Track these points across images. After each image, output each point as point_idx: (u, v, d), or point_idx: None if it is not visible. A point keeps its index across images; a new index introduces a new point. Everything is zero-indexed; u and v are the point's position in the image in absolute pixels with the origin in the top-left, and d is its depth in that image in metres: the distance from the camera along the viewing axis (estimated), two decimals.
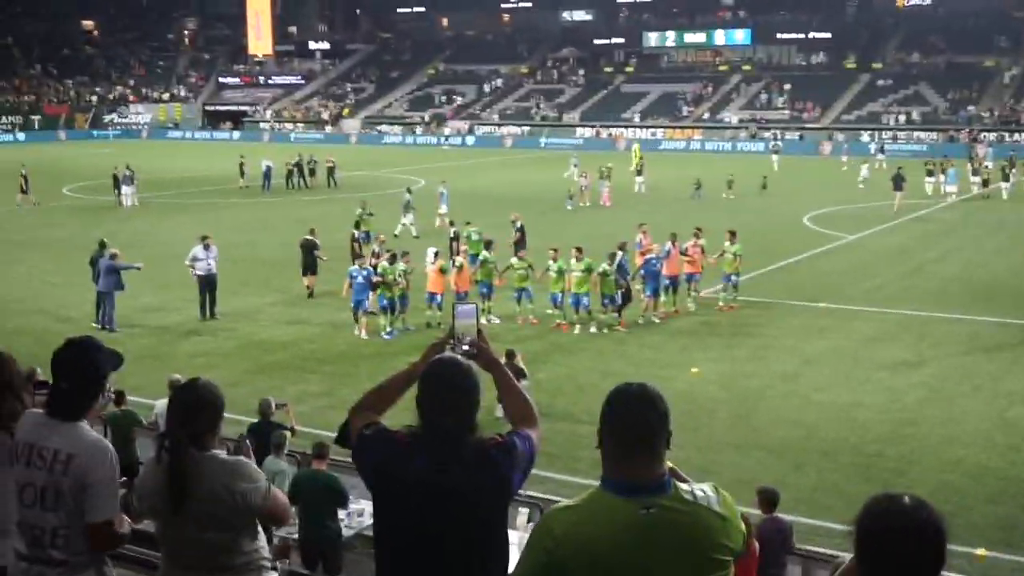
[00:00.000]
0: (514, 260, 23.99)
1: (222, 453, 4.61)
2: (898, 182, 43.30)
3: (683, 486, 3.44)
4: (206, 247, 24.46)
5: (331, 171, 53.71)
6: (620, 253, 23.67)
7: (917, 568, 2.93)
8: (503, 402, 4.27)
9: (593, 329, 22.89)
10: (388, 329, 22.66)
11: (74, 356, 4.74)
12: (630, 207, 41.50)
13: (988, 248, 33.73)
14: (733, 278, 24.99)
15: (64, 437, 4.62)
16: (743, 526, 3.47)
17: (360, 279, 22.37)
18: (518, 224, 29.97)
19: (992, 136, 72.68)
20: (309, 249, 26.87)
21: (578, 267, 22.91)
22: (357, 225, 30.95)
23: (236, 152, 58.87)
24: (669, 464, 3.68)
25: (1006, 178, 47.78)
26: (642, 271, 23.97)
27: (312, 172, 53.66)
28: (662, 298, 24.36)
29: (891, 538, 2.94)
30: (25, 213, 42.60)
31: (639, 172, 50.67)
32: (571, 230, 33.24)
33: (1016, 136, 72.57)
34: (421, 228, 35.11)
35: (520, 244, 27.99)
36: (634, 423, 3.45)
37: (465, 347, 4.23)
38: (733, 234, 25.37)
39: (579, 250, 23.27)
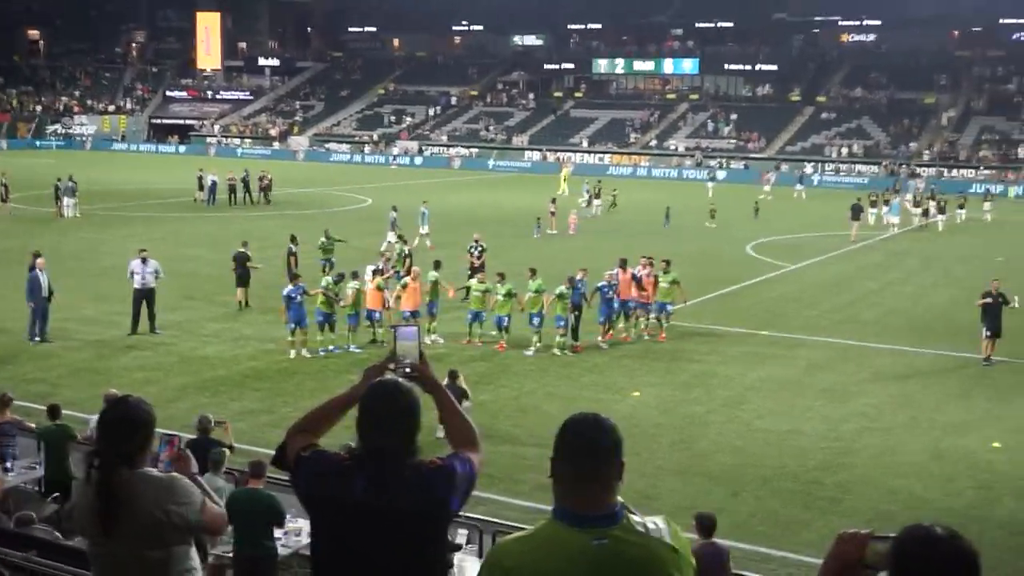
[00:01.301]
0: (473, 282, 24.04)
1: (153, 471, 4.54)
2: (856, 212, 44.96)
3: (635, 517, 3.41)
4: (143, 260, 24.23)
5: (266, 188, 53.08)
6: (579, 276, 23.88)
7: None
8: (444, 424, 4.24)
9: (528, 352, 22.91)
10: (329, 347, 22.54)
11: None
12: (599, 234, 41.53)
13: (926, 280, 34.31)
14: (668, 307, 24.93)
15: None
16: (693, 560, 3.45)
17: (297, 297, 22.20)
18: (480, 245, 30.04)
19: (931, 171, 74.09)
20: (242, 262, 26.99)
21: (531, 287, 23.15)
22: (324, 250, 30.28)
23: (182, 166, 58.44)
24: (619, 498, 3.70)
25: (941, 211, 49.18)
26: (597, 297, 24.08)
27: (246, 187, 52.96)
28: (619, 324, 24.52)
29: (932, 569, 2.94)
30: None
31: (596, 195, 51.86)
32: (545, 254, 33.17)
33: (954, 172, 74.04)
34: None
35: (481, 265, 28.00)
36: (587, 453, 3.41)
37: (406, 369, 4.21)
38: (667, 263, 25.33)
39: (532, 271, 23.66)
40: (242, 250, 27.30)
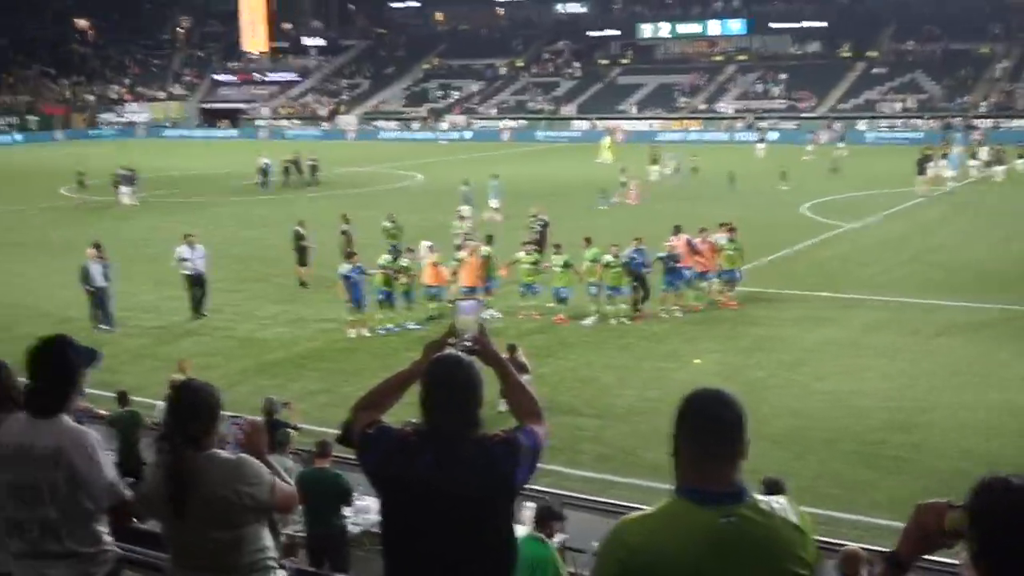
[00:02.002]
0: (521, 254, 23.94)
1: (222, 453, 4.61)
2: (922, 166, 44.99)
3: (759, 496, 3.35)
4: (191, 246, 24.56)
5: (313, 168, 53.13)
6: (636, 244, 23.76)
7: None
8: (507, 398, 4.25)
9: (586, 322, 22.89)
10: (388, 325, 22.68)
11: (45, 354, 4.82)
12: (664, 201, 41.02)
13: (991, 234, 33.61)
14: (737, 274, 24.61)
15: (48, 433, 4.68)
16: (814, 540, 3.38)
17: (355, 277, 22.34)
18: (541, 218, 30.11)
19: (988, 123, 72.68)
20: (298, 240, 27.45)
21: (587, 256, 23.17)
22: (390, 235, 29.28)
23: (234, 150, 58.82)
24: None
25: (1000, 162, 48.72)
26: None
27: (298, 169, 53.12)
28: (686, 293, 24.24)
29: (1012, 517, 2.85)
30: (30, 215, 42.58)
31: (654, 161, 51.11)
32: (609, 223, 32.86)
33: (1012, 122, 72.54)
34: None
35: (542, 239, 27.93)
36: (711, 430, 3.34)
37: (467, 343, 4.21)
38: (732, 230, 24.89)
39: (587, 240, 23.66)
40: (298, 228, 27.74)
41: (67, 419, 4.77)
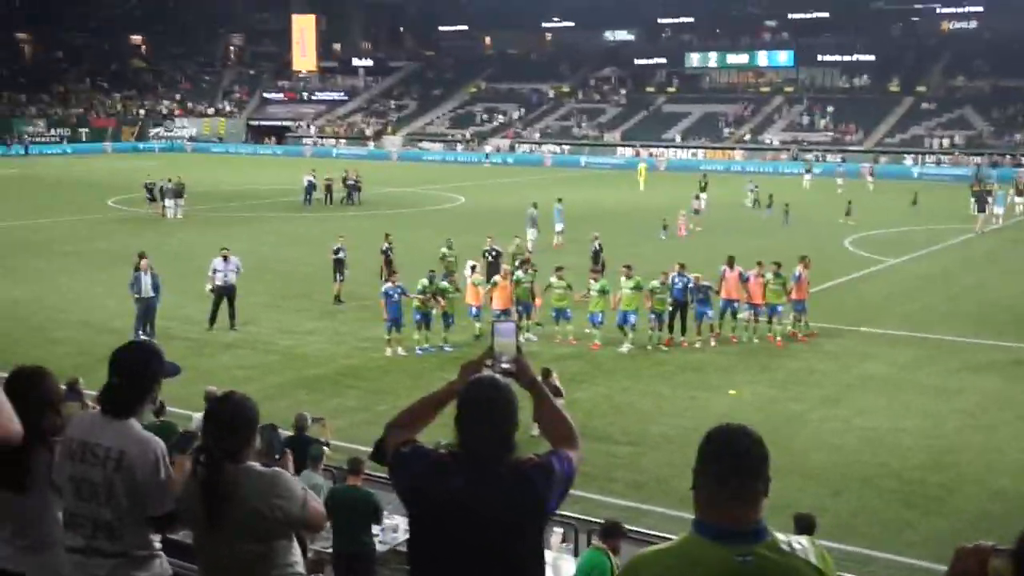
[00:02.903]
0: (553, 279, 23.89)
1: (257, 466, 4.64)
2: (981, 203, 44.43)
3: (779, 536, 3.30)
4: (225, 259, 24.90)
5: (352, 187, 53.20)
6: (675, 274, 23.73)
7: None
8: (541, 422, 4.24)
9: (624, 348, 22.84)
10: (425, 345, 22.72)
11: (132, 355, 4.93)
12: (717, 233, 40.71)
13: None
14: (779, 309, 23.96)
15: (115, 434, 4.74)
16: None
17: (396, 297, 22.42)
18: (596, 243, 30.34)
19: None
20: (335, 254, 27.88)
21: (627, 284, 22.99)
22: (448, 262, 28.33)
23: (279, 167, 59.32)
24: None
25: None
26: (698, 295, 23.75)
27: (328, 188, 52.88)
28: (724, 325, 23.99)
29: None
30: (78, 226, 43.16)
31: (703, 189, 50.71)
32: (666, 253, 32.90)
33: None
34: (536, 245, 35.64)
35: (596, 262, 28.06)
36: (733, 467, 3.30)
37: (504, 365, 4.20)
38: (778, 265, 24.34)
39: (628, 268, 23.44)
40: (339, 245, 28.07)
41: (136, 424, 4.83)
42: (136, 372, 4.87)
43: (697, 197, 47.72)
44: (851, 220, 44.78)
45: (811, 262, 24.83)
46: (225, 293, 24.67)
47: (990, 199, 46.48)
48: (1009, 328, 25.04)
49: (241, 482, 4.49)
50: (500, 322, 4.46)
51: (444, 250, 29.04)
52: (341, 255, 27.82)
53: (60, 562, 4.88)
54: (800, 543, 3.30)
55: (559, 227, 38.17)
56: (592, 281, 23.43)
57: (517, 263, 25.45)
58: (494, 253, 28.34)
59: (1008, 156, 73.69)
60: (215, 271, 24.80)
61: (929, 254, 37.35)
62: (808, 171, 65.45)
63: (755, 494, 3.29)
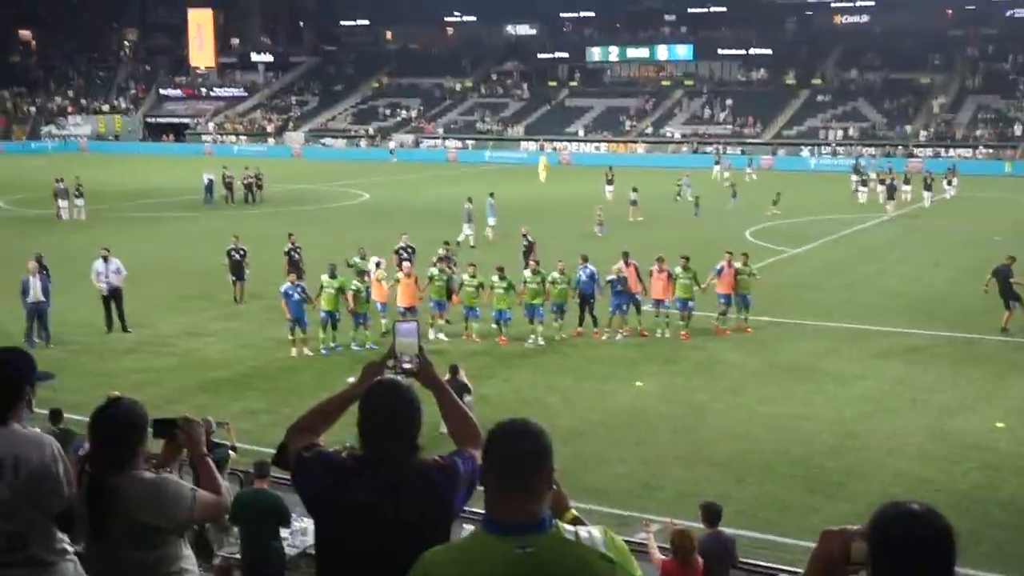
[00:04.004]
0: (465, 276, 23.82)
1: (144, 472, 4.54)
2: (891, 191, 47.12)
3: (566, 527, 3.35)
4: (105, 260, 24.35)
5: (249, 185, 52.50)
6: (585, 265, 23.96)
7: (940, 570, 2.93)
8: (446, 421, 4.23)
9: (528, 343, 22.93)
10: (331, 344, 22.50)
11: None
12: (627, 227, 41.22)
13: (925, 261, 34.19)
14: (690, 303, 23.94)
15: (2, 442, 4.63)
16: (637, 571, 3.36)
17: (296, 296, 22.15)
18: (527, 238, 30.47)
19: (928, 151, 74.06)
20: (232, 255, 27.51)
21: (500, 284, 23.13)
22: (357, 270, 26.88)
23: (178, 165, 58.29)
24: (573, 512, 3.67)
25: (928, 188, 50.39)
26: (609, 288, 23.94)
27: (229, 187, 52.35)
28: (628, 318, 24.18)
29: (909, 544, 2.92)
30: None
31: (610, 182, 51.93)
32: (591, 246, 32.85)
33: (951, 151, 73.94)
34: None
35: (528, 256, 27.99)
36: (512, 461, 3.34)
37: (406, 365, 4.19)
38: (686, 259, 24.46)
39: (500, 269, 23.47)
40: (234, 244, 27.62)
41: (19, 427, 4.73)
42: (2, 379, 4.76)
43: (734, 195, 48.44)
44: (776, 210, 45.80)
45: (740, 257, 24.86)
46: (111, 295, 24.13)
47: (897, 186, 48.60)
48: (905, 315, 25.74)
49: (126, 491, 4.41)
50: (402, 322, 4.44)
51: (356, 259, 26.91)
52: (236, 256, 27.37)
53: None
54: (588, 532, 3.35)
55: (492, 221, 38.57)
56: (495, 279, 23.39)
57: (434, 260, 25.19)
58: (409, 250, 28.11)
59: (900, 147, 75.70)
60: (97, 273, 24.23)
61: (828, 243, 38.20)
62: (717, 162, 66.39)
63: (536, 488, 3.33)
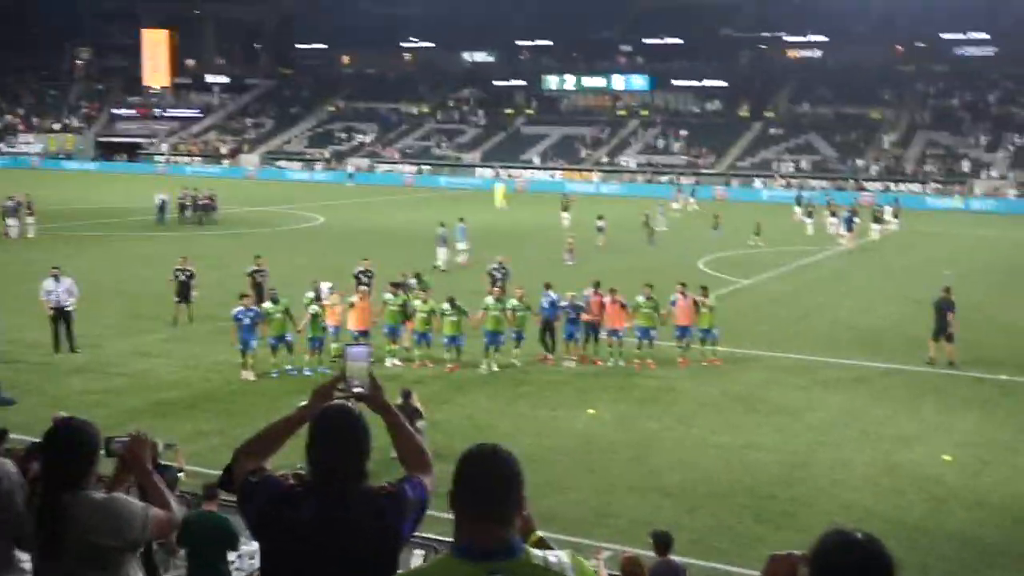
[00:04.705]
0: (418, 303, 23.77)
1: (95, 493, 4.50)
2: (848, 223, 48.02)
3: (535, 552, 3.37)
4: (56, 279, 24.07)
5: (203, 207, 52.16)
6: (547, 292, 24.23)
7: None
8: (396, 447, 4.22)
9: (482, 369, 22.92)
10: (287, 367, 22.32)
11: None
12: (596, 253, 41.57)
13: (875, 294, 34.60)
14: (652, 332, 24.03)
15: None
16: None
17: (247, 320, 21.98)
18: (504, 267, 30.23)
19: (878, 185, 75.11)
20: (179, 276, 27.22)
21: (450, 311, 23.11)
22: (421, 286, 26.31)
23: (131, 184, 57.76)
24: (539, 534, 3.69)
25: (877, 220, 51.46)
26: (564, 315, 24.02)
27: (193, 207, 52.08)
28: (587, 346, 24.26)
29: (848, 572, 2.98)
30: None
31: (565, 209, 52.50)
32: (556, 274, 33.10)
33: (901, 185, 75.07)
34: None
35: (493, 283, 27.78)
36: (482, 487, 3.37)
37: (356, 389, 4.17)
38: (705, 289, 24.97)
39: (451, 298, 23.40)
40: (181, 267, 27.34)
41: None
42: None
43: (598, 219, 48.33)
44: (759, 240, 46.49)
45: (697, 291, 24.87)
46: (61, 315, 23.81)
47: (854, 219, 49.18)
48: (854, 346, 26.05)
49: (78, 511, 4.39)
50: (352, 346, 4.43)
51: (309, 295, 25.29)
52: (182, 277, 27.09)
53: None
54: (556, 557, 3.38)
55: (462, 245, 38.69)
56: (446, 305, 23.35)
57: (389, 285, 25.03)
58: (368, 275, 27.98)
59: (851, 180, 76.71)
60: (47, 292, 23.91)
61: (779, 275, 38.56)
62: (679, 190, 66.94)
63: (506, 514, 3.36)
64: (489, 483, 3.37)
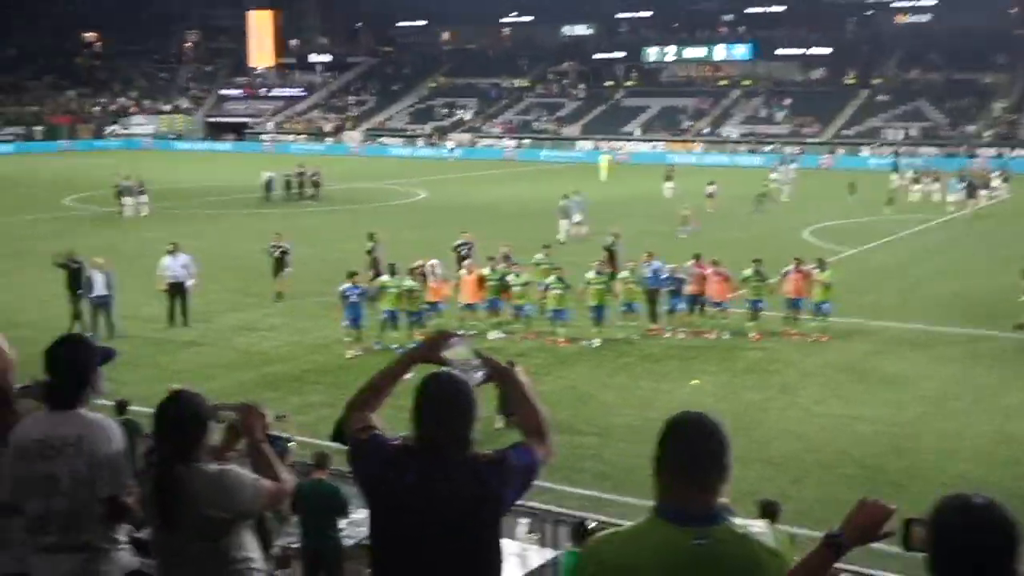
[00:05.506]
0: (512, 276, 23.83)
1: (207, 465, 4.62)
2: (971, 190, 47.09)
3: (736, 520, 3.40)
4: (173, 255, 24.73)
5: (302, 183, 52.83)
6: (644, 263, 24.23)
7: (997, 564, 2.95)
8: (516, 413, 4.24)
9: (585, 343, 22.92)
10: (392, 345, 22.49)
11: (62, 350, 4.95)
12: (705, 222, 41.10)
13: (985, 262, 33.59)
14: (760, 304, 23.63)
15: (68, 424, 4.78)
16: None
17: (354, 297, 22.21)
18: (610, 238, 29.54)
19: (991, 151, 72.81)
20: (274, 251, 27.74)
21: (518, 281, 23.33)
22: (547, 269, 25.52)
23: (238, 163, 58.85)
24: (723, 500, 3.69)
25: (985, 187, 50.37)
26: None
27: (300, 184, 53.00)
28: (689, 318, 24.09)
29: (968, 534, 2.96)
30: (29, 224, 42.60)
31: (668, 179, 51.90)
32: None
33: (1014, 151, 72.61)
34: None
35: (612, 261, 26.99)
36: (691, 454, 3.40)
37: (477, 375, 4.13)
38: (822, 262, 24.40)
39: (558, 269, 23.48)
40: (276, 243, 27.89)
41: (85, 411, 4.88)
42: (67, 366, 4.91)
43: (710, 184, 48.24)
44: (890, 209, 45.82)
45: (811, 264, 24.29)
46: (176, 290, 24.50)
47: (977, 185, 48.28)
48: (965, 315, 25.38)
49: (190, 483, 4.50)
50: (449, 338, 4.35)
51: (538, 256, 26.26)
52: (276, 253, 27.57)
53: (23, 560, 4.87)
54: (758, 526, 3.41)
55: (579, 218, 38.59)
56: (553, 278, 23.38)
57: (489, 259, 25.13)
58: (468, 247, 28.18)
59: (963, 146, 74.53)
60: (164, 268, 24.66)
61: (887, 244, 37.74)
62: (790, 162, 64.71)
63: (713, 480, 3.38)
64: (698, 450, 3.40)
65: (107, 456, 4.75)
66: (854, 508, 3.31)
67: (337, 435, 4.24)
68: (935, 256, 35.19)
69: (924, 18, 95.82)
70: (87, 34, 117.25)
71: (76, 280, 23.83)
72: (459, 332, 4.72)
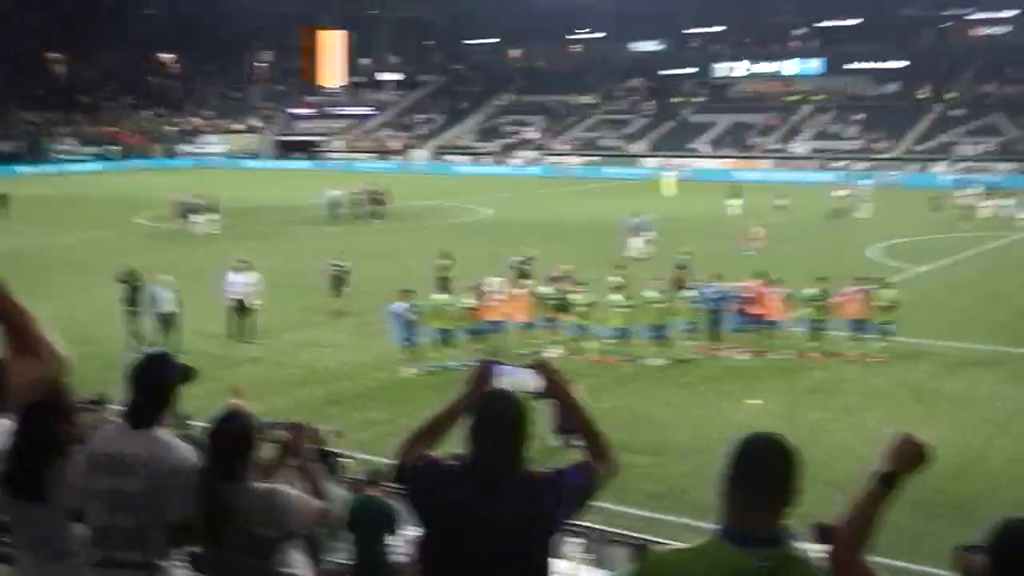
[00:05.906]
0: (576, 296, 23.75)
1: (259, 484, 4.69)
2: None
3: (797, 544, 3.43)
4: (239, 271, 25.24)
5: (368, 200, 53.00)
6: (710, 283, 24.12)
7: None
8: (573, 430, 4.27)
9: (660, 361, 22.79)
10: (447, 362, 22.57)
11: (145, 369, 5.02)
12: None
13: None
14: (888, 327, 23.27)
15: (142, 443, 4.84)
16: None
17: (405, 314, 22.23)
18: (680, 259, 28.90)
19: None
20: (336, 271, 28.03)
21: (582, 301, 23.37)
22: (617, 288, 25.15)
23: (307, 181, 59.36)
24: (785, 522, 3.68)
25: None
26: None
27: (370, 201, 53.26)
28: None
29: None
30: (102, 241, 43.46)
31: (735, 195, 51.50)
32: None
33: None
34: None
35: (683, 279, 26.38)
36: (759, 477, 3.42)
37: (532, 390, 4.18)
38: (885, 282, 24.31)
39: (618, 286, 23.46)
40: (336, 263, 28.23)
41: (161, 432, 4.94)
42: (146, 384, 4.96)
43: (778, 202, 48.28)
44: (967, 227, 45.20)
45: (874, 282, 24.19)
46: (240, 306, 24.83)
47: (987, 202, 48.03)
48: None
49: (239, 502, 4.58)
50: (495, 364, 4.40)
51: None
52: (335, 271, 27.86)
53: (79, 572, 4.97)
54: (817, 551, 3.46)
55: (651, 235, 38.48)
56: (611, 295, 23.37)
57: (550, 278, 25.13)
58: (528, 263, 28.23)
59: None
60: (229, 284, 25.04)
61: (955, 262, 37.05)
62: (867, 179, 63.78)
63: (780, 502, 3.42)
64: (769, 471, 3.44)
65: (178, 478, 4.80)
66: (891, 443, 3.51)
67: (399, 479, 4.27)
68: (1007, 274, 34.44)
69: (1002, 30, 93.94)
70: (163, 55, 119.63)
71: (134, 297, 24.29)
72: (499, 360, 4.77)
